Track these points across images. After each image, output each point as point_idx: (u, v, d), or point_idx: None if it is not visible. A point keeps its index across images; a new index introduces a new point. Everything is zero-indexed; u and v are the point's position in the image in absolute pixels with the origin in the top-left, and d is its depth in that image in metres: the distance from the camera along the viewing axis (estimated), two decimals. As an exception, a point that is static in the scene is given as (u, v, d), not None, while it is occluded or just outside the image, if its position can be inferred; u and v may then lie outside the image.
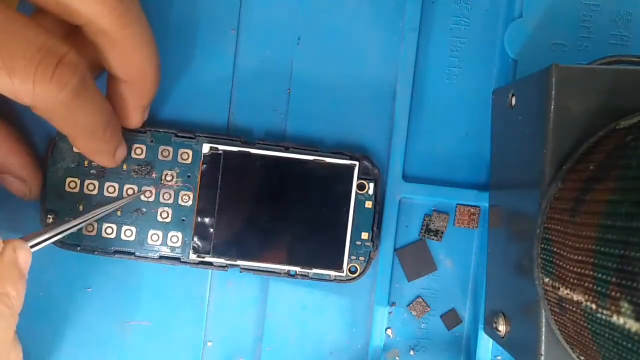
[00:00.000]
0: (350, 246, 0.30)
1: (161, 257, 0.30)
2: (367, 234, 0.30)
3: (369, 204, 0.30)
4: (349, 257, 0.30)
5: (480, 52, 0.31)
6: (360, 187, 0.30)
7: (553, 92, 0.23)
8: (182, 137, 0.29)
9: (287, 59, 0.31)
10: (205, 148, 0.29)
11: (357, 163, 0.30)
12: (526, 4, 0.31)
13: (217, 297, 0.31)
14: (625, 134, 0.21)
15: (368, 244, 0.30)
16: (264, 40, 0.31)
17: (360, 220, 0.30)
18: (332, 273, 0.30)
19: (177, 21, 0.31)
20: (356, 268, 0.30)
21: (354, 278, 0.30)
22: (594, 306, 0.19)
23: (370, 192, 0.30)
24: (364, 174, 0.30)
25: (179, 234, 0.30)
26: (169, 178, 0.29)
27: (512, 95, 0.27)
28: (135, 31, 0.24)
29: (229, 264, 0.30)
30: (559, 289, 0.21)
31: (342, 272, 0.30)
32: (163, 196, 0.29)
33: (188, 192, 0.30)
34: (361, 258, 0.30)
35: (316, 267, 0.30)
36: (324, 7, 0.31)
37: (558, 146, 0.23)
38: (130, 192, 0.29)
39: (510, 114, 0.27)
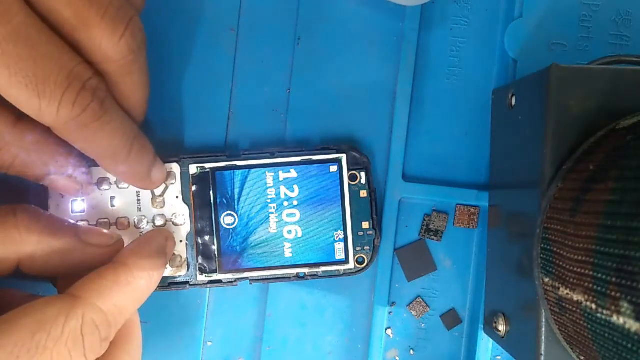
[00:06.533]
0: (353, 238, 0.30)
1: (170, 284, 0.29)
2: (367, 222, 0.30)
3: (363, 193, 0.30)
4: (354, 248, 0.30)
5: (480, 52, 0.31)
6: (352, 177, 0.30)
7: (553, 92, 0.23)
8: (167, 162, 0.29)
9: (287, 59, 0.31)
10: (192, 169, 0.29)
11: (344, 155, 0.30)
12: (526, 4, 0.31)
13: (217, 297, 0.31)
14: (625, 134, 0.21)
15: (370, 232, 0.30)
16: (264, 40, 0.31)
17: (358, 210, 0.30)
18: (341, 268, 0.30)
19: (178, 21, 0.31)
20: (363, 258, 0.30)
21: (363, 268, 0.30)
22: (593, 306, 0.19)
23: (363, 181, 0.30)
24: (354, 165, 0.30)
25: (183, 258, 0.29)
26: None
27: (512, 95, 0.27)
28: (136, 79, 0.25)
29: (238, 278, 0.29)
30: (558, 289, 0.21)
31: (350, 264, 0.30)
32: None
33: (184, 215, 0.29)
34: (366, 248, 0.30)
35: (324, 265, 0.30)
36: (324, 7, 0.31)
37: (558, 146, 0.23)
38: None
39: (510, 114, 0.27)
